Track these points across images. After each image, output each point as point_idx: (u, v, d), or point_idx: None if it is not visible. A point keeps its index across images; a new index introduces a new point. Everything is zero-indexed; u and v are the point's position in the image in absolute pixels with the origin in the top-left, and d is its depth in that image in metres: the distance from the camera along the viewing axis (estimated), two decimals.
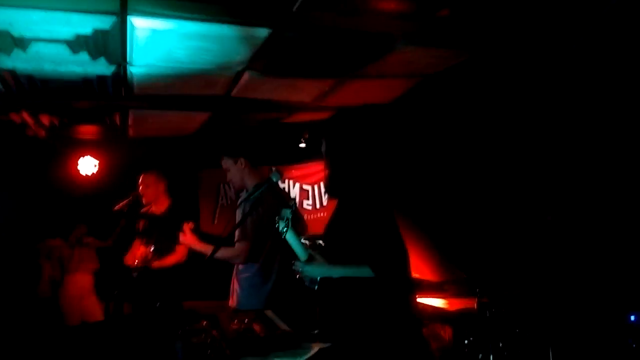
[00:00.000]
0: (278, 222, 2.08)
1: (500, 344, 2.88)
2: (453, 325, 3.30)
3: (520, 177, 3.36)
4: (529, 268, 3.21)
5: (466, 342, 3.07)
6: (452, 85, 3.72)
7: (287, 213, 2.07)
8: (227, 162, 3.33)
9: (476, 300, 3.04)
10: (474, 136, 3.77)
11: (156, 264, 4.06)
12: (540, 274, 3.13)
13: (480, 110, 3.65)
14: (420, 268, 4.22)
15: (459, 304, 3.44)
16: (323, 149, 2.23)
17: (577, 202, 2.96)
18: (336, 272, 2.07)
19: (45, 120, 4.58)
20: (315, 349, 1.93)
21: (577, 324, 2.78)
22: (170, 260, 4.12)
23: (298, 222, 3.20)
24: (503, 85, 3.40)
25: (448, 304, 3.52)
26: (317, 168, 5.70)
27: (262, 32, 2.71)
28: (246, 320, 2.21)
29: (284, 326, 2.12)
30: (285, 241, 2.11)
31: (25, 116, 4.43)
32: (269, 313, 2.36)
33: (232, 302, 3.27)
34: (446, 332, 3.55)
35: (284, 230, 2.06)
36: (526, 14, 2.64)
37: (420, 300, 3.60)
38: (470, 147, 3.81)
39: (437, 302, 3.56)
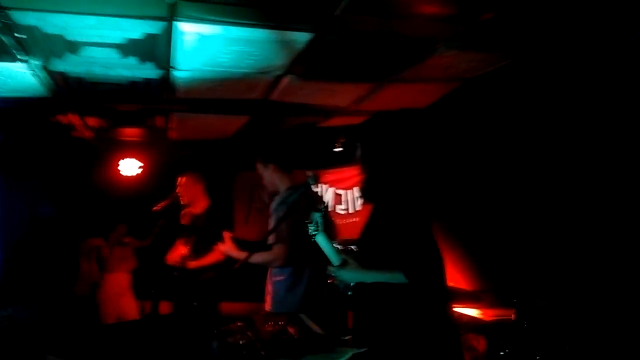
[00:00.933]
0: (308, 226, 2.10)
1: (537, 357, 2.80)
2: (488, 335, 3.23)
3: (562, 186, 3.27)
4: (568, 279, 3.12)
5: (501, 353, 3.00)
6: (491, 90, 3.67)
7: (316, 217, 2.07)
8: (260, 167, 3.41)
9: (513, 310, 2.97)
10: (512, 143, 3.69)
11: (194, 263, 4.14)
12: (579, 285, 3.03)
13: (518, 116, 3.58)
14: (455, 277, 4.15)
15: (494, 314, 3.36)
16: (358, 153, 2.23)
17: (620, 214, 2.86)
18: (369, 277, 2.06)
19: (91, 122, 4.76)
20: (349, 353, 1.93)
21: (616, 338, 2.67)
22: (208, 260, 4.18)
23: (329, 227, 3.23)
24: (542, 91, 3.32)
25: (483, 314, 3.45)
26: (351, 173, 5.70)
27: (304, 37, 2.75)
28: (281, 322, 2.23)
29: (318, 329, 2.13)
30: (316, 245, 2.11)
31: (72, 118, 4.61)
32: (303, 316, 2.37)
33: (267, 305, 3.31)
34: (480, 343, 3.47)
35: (314, 234, 2.07)
36: (569, 18, 2.58)
37: (454, 309, 3.55)
38: (508, 154, 3.73)
39: (472, 312, 3.49)
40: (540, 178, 3.44)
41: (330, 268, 2.11)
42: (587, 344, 2.73)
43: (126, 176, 6.05)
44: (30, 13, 2.43)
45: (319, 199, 3.87)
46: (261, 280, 3.59)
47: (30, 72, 3.22)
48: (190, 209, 4.49)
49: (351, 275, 2.08)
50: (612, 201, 2.91)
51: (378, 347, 1.99)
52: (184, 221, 4.48)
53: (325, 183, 6.10)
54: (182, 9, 2.39)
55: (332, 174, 5.97)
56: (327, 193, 6.08)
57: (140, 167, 5.99)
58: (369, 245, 2.16)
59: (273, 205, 3.39)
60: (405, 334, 1.97)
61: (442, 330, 2.00)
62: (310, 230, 2.08)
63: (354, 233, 2.37)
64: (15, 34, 2.63)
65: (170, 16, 2.46)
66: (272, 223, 3.32)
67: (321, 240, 2.09)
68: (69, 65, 3.12)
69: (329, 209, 5.84)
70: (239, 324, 2.30)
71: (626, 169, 2.83)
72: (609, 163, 2.93)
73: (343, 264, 2.08)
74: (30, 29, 2.58)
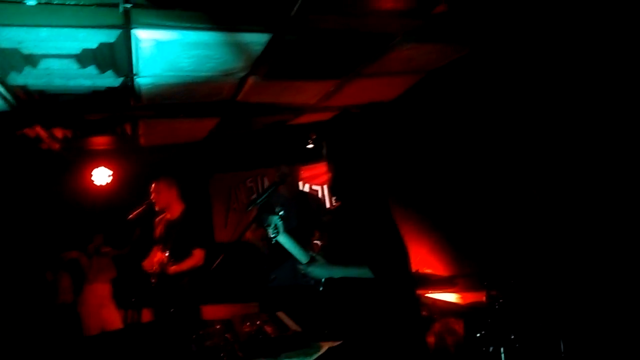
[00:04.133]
0: (266, 229, 2.12)
1: (512, 337, 2.88)
2: (465, 319, 3.30)
3: (527, 169, 3.35)
4: (538, 259, 3.21)
5: (478, 335, 3.07)
6: (454, 80, 3.74)
7: (274, 219, 2.09)
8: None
9: (485, 293, 3.05)
10: (480, 129, 3.77)
11: (173, 268, 4.13)
12: (550, 265, 3.12)
13: (483, 104, 3.65)
14: (431, 263, 4.23)
15: (470, 297, 3.44)
16: (324, 151, 2.27)
17: (586, 191, 2.95)
18: (337, 272, 2.11)
19: (58, 133, 4.69)
20: (324, 347, 1.97)
21: (588, 315, 2.77)
22: (187, 264, 4.17)
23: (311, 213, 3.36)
24: (504, 79, 3.40)
25: (461, 298, 3.53)
26: (325, 168, 5.73)
27: (262, 38, 2.77)
28: (258, 322, 2.26)
29: (295, 327, 2.17)
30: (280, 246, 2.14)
31: (39, 130, 4.54)
32: (281, 314, 2.40)
33: None
34: (460, 327, 3.55)
35: (274, 236, 2.10)
36: (522, 7, 2.64)
37: (432, 295, 3.62)
38: (476, 140, 3.81)
39: (450, 297, 3.57)
40: (508, 161, 3.52)
41: (299, 266, 2.15)
42: (560, 323, 2.82)
43: (99, 185, 5.98)
44: None
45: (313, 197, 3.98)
46: (239, 280, 3.65)
47: None
48: (165, 214, 4.47)
49: (320, 271, 2.12)
50: (579, 177, 3.00)
51: (352, 340, 2.04)
52: (159, 228, 4.46)
53: (300, 180, 6.12)
54: (136, 17, 2.38)
55: (306, 171, 5.99)
56: (303, 189, 6.11)
57: (110, 176, 5.91)
58: (337, 240, 2.20)
59: (248, 204, 3.47)
60: (376, 324, 2.02)
61: (409, 317, 2.06)
62: (269, 233, 2.10)
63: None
64: None
65: (125, 24, 2.45)
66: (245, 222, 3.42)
67: (284, 241, 2.12)
68: (29, 78, 3.09)
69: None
70: (217, 326, 2.32)
71: (584, 144, 2.92)
72: (572, 141, 3.02)
73: (311, 261, 2.12)
74: None
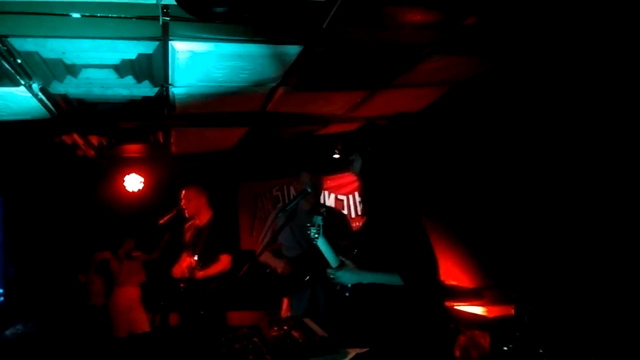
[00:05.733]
0: (310, 229, 2.17)
1: (540, 351, 2.84)
2: (491, 332, 3.26)
3: (557, 183, 3.32)
4: (570, 272, 3.16)
5: (505, 349, 3.04)
6: (482, 92, 3.73)
7: (318, 220, 2.15)
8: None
9: (513, 306, 3.01)
10: (508, 141, 3.74)
11: (201, 273, 4.22)
12: (581, 279, 3.07)
13: (511, 117, 3.64)
14: (457, 275, 4.19)
15: (497, 310, 3.40)
16: (352, 162, 2.29)
17: (622, 207, 2.90)
18: (366, 278, 2.14)
19: (94, 140, 4.87)
20: (352, 354, 2.00)
21: (619, 330, 2.71)
22: (215, 269, 4.26)
23: (335, 229, 3.36)
24: (532, 93, 3.38)
25: (487, 311, 3.49)
26: (351, 178, 5.76)
27: (294, 49, 2.83)
28: (285, 327, 2.30)
29: (322, 332, 2.20)
30: (317, 247, 2.19)
31: (76, 137, 4.72)
32: (308, 320, 2.43)
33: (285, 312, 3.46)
34: (486, 340, 3.51)
35: (316, 237, 2.14)
36: (551, 20, 2.64)
37: (458, 307, 3.59)
38: (505, 152, 3.78)
39: (476, 310, 3.53)
40: (538, 175, 3.48)
41: (328, 270, 2.19)
42: (586, 338, 2.76)
43: (131, 192, 6.15)
44: (30, 39, 2.52)
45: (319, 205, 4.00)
46: (265, 288, 3.70)
47: (32, 95, 3.32)
48: (194, 221, 4.57)
49: (348, 277, 2.15)
50: (607, 198, 2.96)
51: (379, 347, 2.05)
52: (188, 233, 4.56)
53: (326, 189, 6.17)
54: (174, 29, 2.48)
55: (332, 180, 6.04)
56: (329, 199, 6.15)
57: (141, 182, 6.08)
58: (367, 247, 2.23)
59: (276, 212, 3.51)
60: (403, 332, 2.03)
61: (437, 327, 2.06)
62: (311, 234, 2.15)
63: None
64: (17, 60, 2.73)
65: (163, 36, 2.55)
66: (270, 231, 3.45)
67: (322, 243, 2.17)
68: (69, 87, 3.21)
69: None
70: (245, 330, 2.37)
71: (616, 163, 2.88)
72: (601, 157, 2.98)
73: (340, 266, 2.15)
74: (30, 55, 2.68)
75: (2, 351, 3.95)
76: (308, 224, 2.21)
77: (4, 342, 4.20)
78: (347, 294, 2.16)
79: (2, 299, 5.50)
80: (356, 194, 5.86)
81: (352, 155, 2.32)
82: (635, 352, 2.62)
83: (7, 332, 4.34)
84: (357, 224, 5.86)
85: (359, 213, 5.93)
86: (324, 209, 2.22)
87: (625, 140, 2.83)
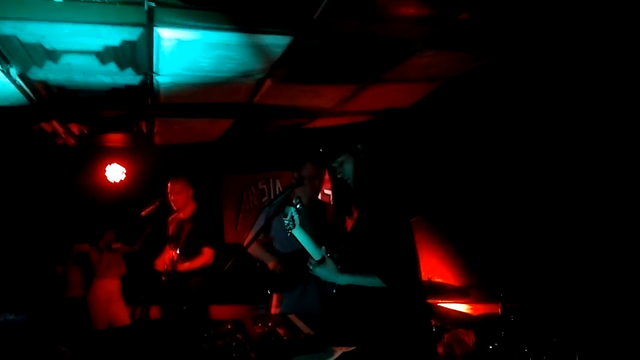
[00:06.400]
0: (283, 220, 2.13)
1: (525, 349, 2.84)
2: (476, 330, 3.27)
3: (545, 181, 3.32)
4: (554, 272, 3.17)
5: (490, 347, 3.04)
6: (474, 88, 3.71)
7: (291, 211, 2.10)
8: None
9: (500, 305, 3.01)
10: (498, 139, 3.74)
11: (183, 266, 4.15)
12: (566, 277, 3.08)
13: (502, 113, 3.63)
14: (443, 273, 4.19)
15: (482, 309, 3.40)
16: (343, 168, 2.24)
17: (608, 205, 2.91)
18: (343, 280, 2.12)
19: (74, 129, 4.73)
20: (338, 352, 1.96)
21: (604, 329, 2.73)
22: (197, 262, 4.20)
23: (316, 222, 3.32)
24: (524, 88, 3.37)
25: (472, 309, 3.49)
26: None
27: (283, 40, 2.76)
28: (270, 324, 2.25)
29: (307, 330, 2.15)
30: (295, 239, 2.15)
31: (56, 125, 4.58)
32: (293, 317, 2.39)
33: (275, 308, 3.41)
34: (470, 338, 3.52)
35: (290, 228, 2.10)
36: (546, 16, 2.62)
37: (443, 305, 3.58)
38: (493, 150, 3.78)
39: (461, 307, 3.53)
40: (527, 174, 3.48)
41: (310, 261, 2.15)
42: (574, 337, 2.77)
43: (112, 182, 6.03)
44: (8, 22, 2.41)
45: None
46: (250, 282, 3.64)
47: (10, 81, 3.20)
48: (177, 214, 4.49)
49: (326, 274, 2.11)
50: (591, 197, 2.97)
51: (366, 345, 2.02)
52: (172, 226, 4.48)
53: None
54: (159, 15, 2.39)
55: None
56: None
57: (123, 173, 5.96)
58: (353, 247, 2.19)
59: (264, 206, 3.47)
60: (387, 331, 2.01)
61: (420, 326, 2.04)
62: (285, 224, 2.10)
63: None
64: None
65: (148, 22, 2.46)
66: (259, 224, 3.39)
67: (298, 234, 2.12)
68: (50, 73, 3.11)
69: None
70: (228, 326, 2.31)
71: (601, 163, 2.88)
72: (592, 156, 2.98)
73: (321, 261, 2.11)
74: (8, 38, 2.57)
75: None
76: (282, 216, 2.15)
77: None
78: (334, 291, 2.13)
79: None
80: None
81: (340, 157, 2.27)
82: (618, 350, 2.64)
83: None
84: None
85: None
86: (298, 200, 2.15)
87: (610, 140, 2.84)
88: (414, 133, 4.46)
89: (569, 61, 3.03)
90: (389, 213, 2.09)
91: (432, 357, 2.08)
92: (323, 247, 2.16)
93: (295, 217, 2.09)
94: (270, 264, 3.43)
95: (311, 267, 2.17)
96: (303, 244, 2.17)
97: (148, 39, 2.64)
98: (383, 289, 2.00)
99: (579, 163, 3.06)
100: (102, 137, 5.17)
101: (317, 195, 3.65)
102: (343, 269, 2.11)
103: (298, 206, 2.11)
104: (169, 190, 4.43)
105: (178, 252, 4.19)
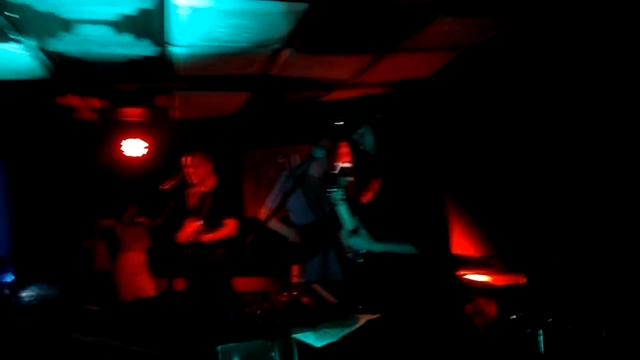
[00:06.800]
0: (335, 191, 2.11)
1: (549, 320, 2.81)
2: (498, 300, 3.24)
3: (568, 149, 3.23)
4: (579, 244, 3.11)
5: (512, 317, 3.01)
6: (493, 57, 3.59)
7: (342, 181, 2.08)
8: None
9: (523, 275, 2.97)
10: (518, 109, 3.63)
11: (207, 237, 4.19)
12: (591, 247, 3.02)
13: (521, 83, 3.51)
14: (464, 244, 4.16)
15: (504, 279, 3.37)
16: (364, 140, 2.19)
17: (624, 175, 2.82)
18: (379, 247, 2.09)
19: (94, 103, 4.75)
20: (362, 320, 1.95)
21: (630, 301, 2.67)
22: (221, 234, 4.23)
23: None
24: (545, 58, 3.24)
25: (493, 279, 3.46)
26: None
27: (300, 7, 2.68)
28: (294, 292, 2.26)
29: (332, 299, 2.15)
30: (330, 214, 2.13)
31: (73, 99, 4.60)
32: (317, 287, 2.39)
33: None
34: (491, 308, 3.49)
35: (343, 199, 2.08)
36: None
37: (465, 275, 3.56)
38: (514, 120, 3.68)
39: (483, 278, 3.50)
40: (545, 145, 3.39)
41: (342, 232, 2.13)
42: (596, 306, 2.73)
43: (132, 157, 6.07)
44: None
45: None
46: (272, 254, 3.67)
47: (27, 53, 3.20)
48: (198, 187, 4.51)
49: (361, 243, 2.10)
50: (611, 166, 2.88)
51: (390, 314, 2.01)
52: (193, 199, 4.51)
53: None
54: None
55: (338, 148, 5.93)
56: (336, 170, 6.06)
57: (145, 147, 5.99)
58: (382, 215, 2.16)
59: (282, 177, 3.46)
60: (415, 300, 1.99)
61: (449, 296, 2.02)
62: (337, 196, 2.09)
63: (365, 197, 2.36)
64: (6, 13, 2.59)
65: None
66: (277, 196, 3.37)
67: (342, 206, 2.11)
68: (65, 44, 3.09)
69: None
70: (254, 295, 2.33)
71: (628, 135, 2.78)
72: (612, 127, 2.88)
73: (354, 232, 2.09)
74: (21, 8, 2.55)
75: (19, 312, 3.99)
76: (330, 186, 2.13)
77: (20, 303, 4.24)
78: (360, 260, 2.11)
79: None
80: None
81: (360, 129, 2.21)
82: None
83: (23, 294, 4.37)
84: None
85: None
86: (349, 169, 2.13)
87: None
88: (431, 104, 4.37)
89: (595, 29, 2.90)
90: (419, 181, 2.05)
91: (460, 327, 2.05)
92: (356, 217, 2.14)
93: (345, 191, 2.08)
94: (290, 236, 3.47)
95: (345, 238, 2.15)
96: (342, 215, 2.16)
97: (162, 7, 2.60)
98: (412, 258, 1.97)
99: (599, 137, 2.97)
100: (121, 111, 5.19)
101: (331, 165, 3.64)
102: (376, 237, 2.08)
103: (349, 179, 2.09)
104: (187, 163, 4.43)
105: (201, 224, 4.22)
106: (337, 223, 2.25)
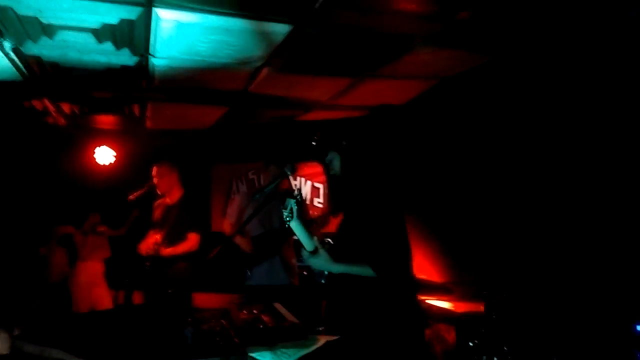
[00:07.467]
0: (282, 212, 2.15)
1: (505, 348, 2.88)
2: (458, 326, 3.31)
3: (533, 182, 3.36)
4: (536, 272, 3.21)
5: (470, 344, 3.08)
6: (468, 88, 3.74)
7: (291, 203, 2.12)
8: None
9: (483, 302, 3.05)
10: (487, 139, 3.77)
11: (167, 251, 4.13)
12: (548, 279, 3.13)
13: (494, 114, 3.66)
14: (427, 269, 4.23)
15: (464, 306, 3.45)
16: (332, 165, 2.26)
17: (589, 206, 2.96)
18: (337, 268, 2.14)
19: (66, 108, 4.67)
20: (321, 341, 1.97)
21: (582, 332, 2.78)
22: (182, 248, 4.18)
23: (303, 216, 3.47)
24: (519, 89, 3.40)
25: (454, 306, 3.53)
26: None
27: (284, 28, 2.75)
28: (255, 311, 2.25)
29: (292, 318, 2.16)
30: (291, 230, 2.17)
31: (47, 103, 4.52)
32: (278, 306, 2.40)
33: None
34: (450, 335, 3.56)
35: (288, 219, 2.12)
36: (546, 18, 2.65)
37: (426, 301, 3.62)
38: (483, 150, 3.82)
39: (443, 304, 3.57)
40: (513, 173, 3.52)
41: (302, 252, 2.17)
42: (554, 336, 2.82)
43: (101, 165, 5.96)
44: None
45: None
46: (234, 270, 3.76)
47: (3, 54, 3.15)
48: (164, 199, 4.47)
49: (321, 264, 2.13)
50: (583, 189, 3.01)
51: (349, 336, 2.04)
52: (158, 211, 4.45)
53: (303, 176, 6.12)
54: None
55: (310, 167, 5.99)
56: (305, 186, 6.11)
57: (113, 156, 5.90)
58: (343, 238, 2.21)
59: (253, 194, 3.51)
60: (374, 323, 2.02)
61: (408, 320, 2.06)
62: (284, 216, 2.12)
63: (331, 226, 2.42)
64: None
65: (148, 2, 2.44)
66: (246, 212, 3.41)
67: (295, 226, 2.14)
68: (44, 49, 3.06)
69: (307, 202, 5.89)
70: (213, 312, 2.31)
71: (605, 153, 2.92)
72: (585, 152, 3.02)
73: (314, 252, 2.13)
74: (3, 10, 2.52)
75: None
76: (281, 207, 2.18)
77: None
78: (323, 281, 2.14)
79: None
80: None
81: (328, 155, 2.29)
82: (596, 353, 2.69)
83: None
84: (316, 213, 5.84)
85: (327, 208, 5.90)
86: (298, 192, 2.17)
87: (594, 142, 2.88)
88: (404, 130, 4.49)
89: (568, 63, 3.06)
90: (379, 205, 2.11)
91: (418, 351, 2.10)
92: (315, 238, 2.17)
93: (295, 209, 2.11)
94: (243, 245, 3.86)
95: (305, 259, 2.19)
96: (298, 235, 2.19)
97: (146, 19, 2.62)
98: (373, 280, 2.01)
99: (565, 165, 3.11)
100: (93, 118, 5.11)
101: (289, 184, 4.11)
102: (335, 259, 2.12)
103: (298, 198, 2.13)
104: (153, 173, 4.40)
105: (162, 236, 4.17)
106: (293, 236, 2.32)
